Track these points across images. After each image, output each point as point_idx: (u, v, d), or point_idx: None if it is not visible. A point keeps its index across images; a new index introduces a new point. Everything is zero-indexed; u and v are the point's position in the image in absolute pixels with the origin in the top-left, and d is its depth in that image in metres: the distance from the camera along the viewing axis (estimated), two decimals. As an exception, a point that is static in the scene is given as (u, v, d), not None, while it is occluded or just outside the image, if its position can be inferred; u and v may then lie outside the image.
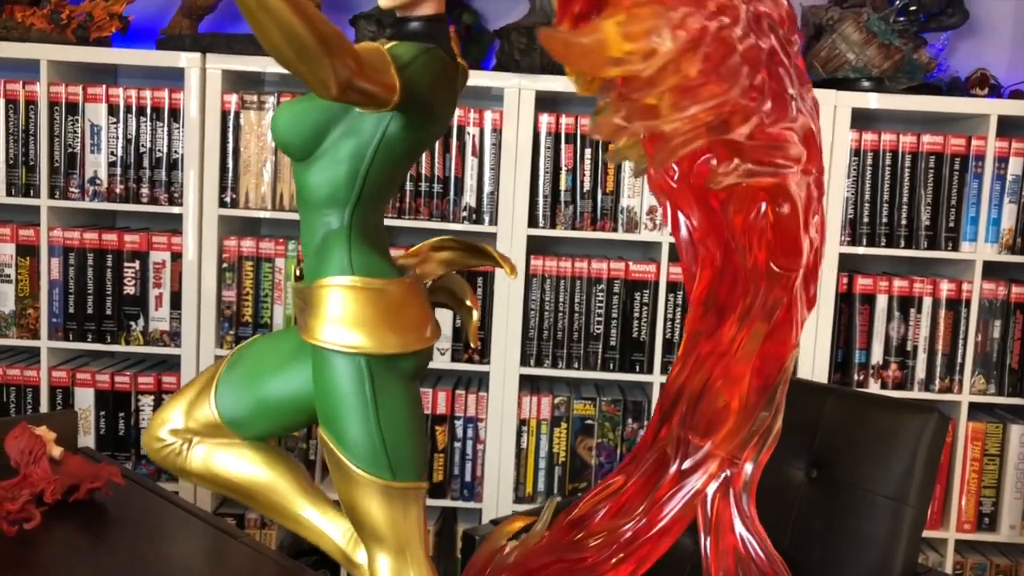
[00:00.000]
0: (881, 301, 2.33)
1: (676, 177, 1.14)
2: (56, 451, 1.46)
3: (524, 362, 2.32)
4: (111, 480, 1.43)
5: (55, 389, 2.33)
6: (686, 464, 1.14)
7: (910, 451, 1.59)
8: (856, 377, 2.33)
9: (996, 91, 2.35)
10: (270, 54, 0.94)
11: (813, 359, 2.29)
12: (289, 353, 1.23)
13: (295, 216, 2.31)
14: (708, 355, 1.14)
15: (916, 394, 2.32)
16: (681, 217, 1.18)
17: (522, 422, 2.33)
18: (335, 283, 1.16)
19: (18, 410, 2.33)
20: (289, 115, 1.17)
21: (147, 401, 2.34)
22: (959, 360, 2.32)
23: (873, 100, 2.26)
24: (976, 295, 2.30)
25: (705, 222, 1.15)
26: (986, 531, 2.36)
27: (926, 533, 2.31)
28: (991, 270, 2.33)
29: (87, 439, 2.32)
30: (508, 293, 2.29)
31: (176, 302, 2.31)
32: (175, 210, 2.29)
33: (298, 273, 1.25)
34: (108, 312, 2.32)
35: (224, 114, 2.28)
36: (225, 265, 2.32)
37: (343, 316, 1.15)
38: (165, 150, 2.30)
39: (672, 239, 1.41)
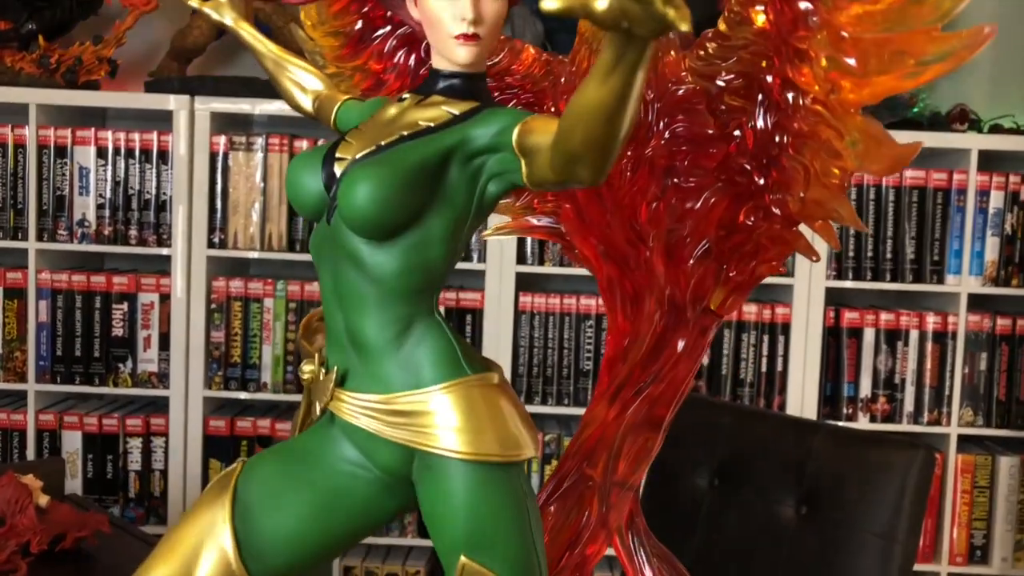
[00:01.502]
0: (868, 335, 2.34)
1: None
2: (43, 500, 1.45)
3: (514, 399, 2.31)
4: (98, 529, 1.42)
5: (42, 433, 2.32)
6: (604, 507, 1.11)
7: (898, 487, 1.60)
8: (845, 411, 2.34)
9: (976, 126, 2.38)
10: (594, 133, 0.74)
11: (802, 393, 2.30)
12: (327, 486, 1.00)
13: (284, 256, 2.34)
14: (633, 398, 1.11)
15: (905, 426, 2.32)
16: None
17: (512, 460, 2.32)
18: (461, 384, 0.95)
19: (4, 454, 2.32)
20: (375, 188, 0.93)
21: (135, 443, 2.33)
22: (947, 392, 2.33)
23: (856, 136, 2.29)
24: (962, 327, 2.31)
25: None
26: (978, 564, 2.36)
27: (918, 567, 2.30)
28: (976, 302, 2.35)
29: (74, 483, 2.30)
30: (498, 330, 2.29)
31: (165, 343, 2.31)
32: (164, 251, 2.30)
33: (318, 368, 1.02)
34: (96, 354, 2.31)
35: (213, 155, 2.29)
36: (214, 306, 2.32)
37: (489, 422, 0.94)
38: (154, 192, 2.31)
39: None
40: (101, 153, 2.30)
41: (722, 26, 0.95)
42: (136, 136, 2.30)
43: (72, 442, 2.31)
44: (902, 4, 0.81)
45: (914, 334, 2.34)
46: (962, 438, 2.37)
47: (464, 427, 0.93)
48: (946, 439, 2.34)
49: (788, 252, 0.99)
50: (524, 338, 2.32)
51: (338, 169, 1.00)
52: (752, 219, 0.94)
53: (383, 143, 0.99)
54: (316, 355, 1.03)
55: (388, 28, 1.21)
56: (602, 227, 1.10)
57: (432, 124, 0.98)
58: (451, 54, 0.99)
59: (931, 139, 2.28)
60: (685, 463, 1.83)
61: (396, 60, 1.22)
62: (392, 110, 1.04)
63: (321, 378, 1.01)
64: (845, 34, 0.83)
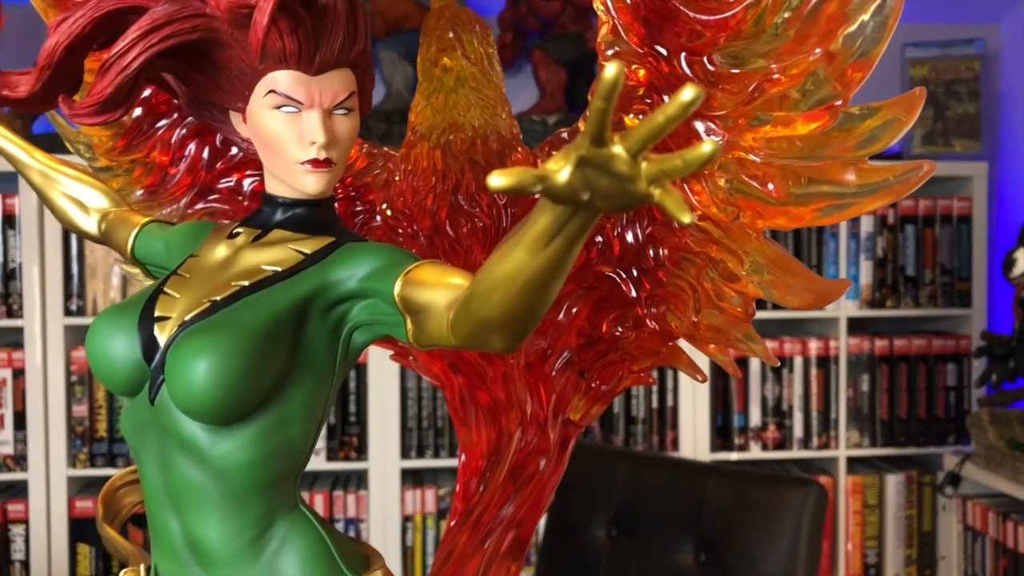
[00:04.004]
0: (755, 363, 2.35)
1: None
2: None
3: (404, 455, 2.23)
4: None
5: None
6: None
7: (794, 527, 1.59)
8: (737, 441, 2.34)
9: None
10: (518, 303, 0.63)
11: (694, 425, 2.29)
12: None
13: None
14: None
15: (796, 452, 2.34)
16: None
17: (407, 518, 2.24)
18: None
19: None
20: (218, 364, 0.73)
21: (-9, 534, 2.13)
22: (833, 416, 2.36)
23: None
24: (843, 351, 2.35)
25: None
26: (873, 582, 2.39)
27: (817, 591, 2.32)
28: (855, 326, 2.40)
29: (-77, 582, 2.09)
30: (383, 382, 2.20)
31: (20, 422, 2.13)
32: (16, 323, 2.13)
33: None
34: (-58, 439, 2.11)
35: (65, 217, 2.14)
36: (74, 378, 2.16)
37: None
38: (1, 259, 2.13)
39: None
40: (-61, 220, 2.12)
41: (582, 126, 0.87)
42: (-22, 200, 2.13)
43: (-81, 538, 2.10)
44: (823, 129, 0.74)
45: (798, 360, 2.37)
46: (850, 459, 2.40)
47: None
48: (835, 462, 2.37)
49: (659, 364, 0.92)
50: (411, 389, 2.24)
51: (161, 334, 0.79)
52: (619, 329, 0.88)
53: (218, 298, 0.79)
54: (139, 559, 0.85)
55: (175, 116, 1.04)
56: None
57: (279, 269, 0.80)
58: (298, 183, 0.81)
59: (802, 168, 2.32)
60: (582, 514, 1.79)
61: (186, 152, 1.04)
62: (222, 249, 0.84)
63: None
64: (755, 158, 0.76)
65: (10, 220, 2.14)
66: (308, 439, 0.79)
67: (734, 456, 2.31)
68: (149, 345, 0.79)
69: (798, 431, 2.36)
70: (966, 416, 2.36)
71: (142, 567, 0.85)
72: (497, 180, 0.47)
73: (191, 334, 0.76)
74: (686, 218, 0.48)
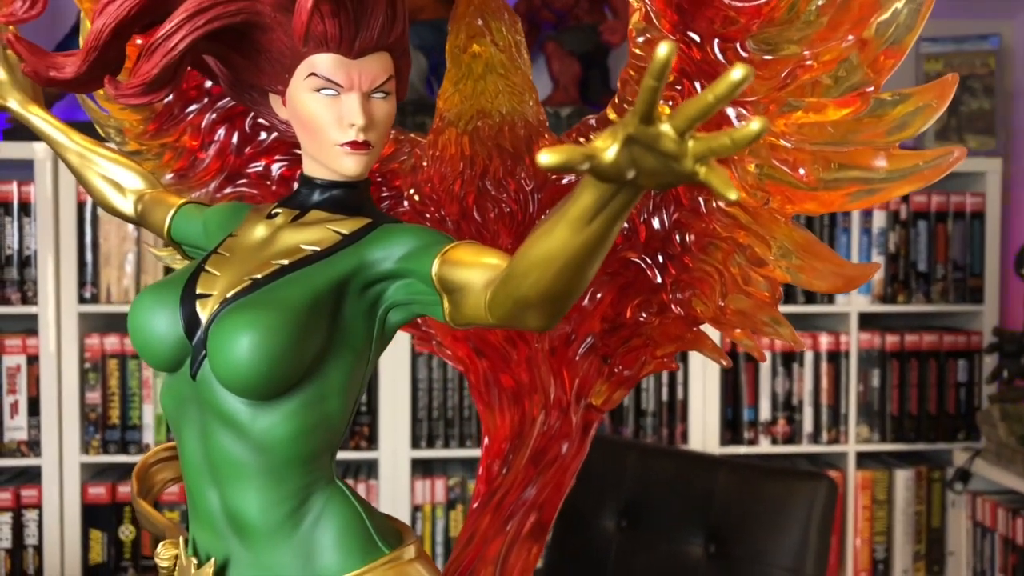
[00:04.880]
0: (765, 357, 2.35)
1: None
2: None
3: (415, 444, 2.24)
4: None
5: (-101, 513, 2.12)
6: None
7: (803, 520, 1.59)
8: (747, 435, 2.34)
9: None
10: (557, 282, 0.63)
11: (704, 420, 2.29)
12: None
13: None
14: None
15: (805, 447, 2.34)
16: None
17: (416, 508, 2.25)
18: (375, 572, 0.80)
19: None
20: (262, 340, 0.74)
21: (4, 519, 2.15)
22: (843, 411, 2.36)
23: (742, 162, 2.31)
24: (854, 346, 2.35)
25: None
26: (881, 577, 2.39)
27: (825, 586, 2.32)
28: (866, 321, 2.39)
29: (-62, 566, 2.11)
30: (394, 372, 2.21)
31: (34, 408, 2.14)
32: (31, 310, 2.14)
33: (185, 556, 0.84)
34: (-43, 424, 2.13)
35: (80, 205, 2.15)
36: (88, 365, 2.17)
37: None
38: (16, 247, 2.15)
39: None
40: (-45, 207, 2.13)
41: (611, 114, 0.88)
42: (-6, 187, 2.14)
43: (-67, 521, 2.12)
44: (854, 115, 0.74)
45: (809, 355, 2.36)
46: (860, 455, 2.40)
47: None
48: (845, 457, 2.37)
49: (683, 349, 0.92)
50: (423, 380, 2.25)
51: (202, 311, 0.80)
52: (643, 315, 0.89)
53: (259, 276, 0.80)
54: (175, 532, 0.85)
55: (205, 101, 1.05)
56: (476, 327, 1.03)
57: (318, 248, 0.81)
58: (336, 164, 0.82)
59: (815, 163, 2.31)
60: (592, 505, 1.79)
61: (216, 137, 1.05)
62: (260, 229, 0.85)
63: (192, 571, 0.82)
64: (786, 143, 0.76)
65: (25, 208, 2.15)
66: (345, 414, 0.80)
67: (743, 450, 2.31)
68: (191, 322, 0.81)
69: (808, 426, 2.36)
70: (976, 412, 2.35)
71: (180, 539, 0.85)
72: (546, 157, 0.48)
73: (233, 311, 0.77)
74: (732, 195, 0.49)
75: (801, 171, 0.75)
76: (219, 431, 0.79)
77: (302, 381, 0.77)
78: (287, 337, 0.75)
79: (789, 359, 2.37)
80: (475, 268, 0.72)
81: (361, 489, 2.24)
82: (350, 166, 0.82)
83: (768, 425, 2.35)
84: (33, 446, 2.15)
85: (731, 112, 0.78)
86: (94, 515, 2.17)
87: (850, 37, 0.72)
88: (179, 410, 0.83)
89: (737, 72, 0.46)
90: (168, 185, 1.06)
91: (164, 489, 0.99)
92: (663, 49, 0.47)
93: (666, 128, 0.49)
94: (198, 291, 0.82)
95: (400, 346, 2.20)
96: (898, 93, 0.74)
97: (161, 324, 0.81)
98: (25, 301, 2.15)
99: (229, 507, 0.80)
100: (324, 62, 0.80)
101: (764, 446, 2.34)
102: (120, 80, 0.84)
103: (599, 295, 0.90)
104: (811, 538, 1.59)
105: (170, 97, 1.02)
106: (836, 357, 2.36)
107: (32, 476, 2.21)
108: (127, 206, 1.00)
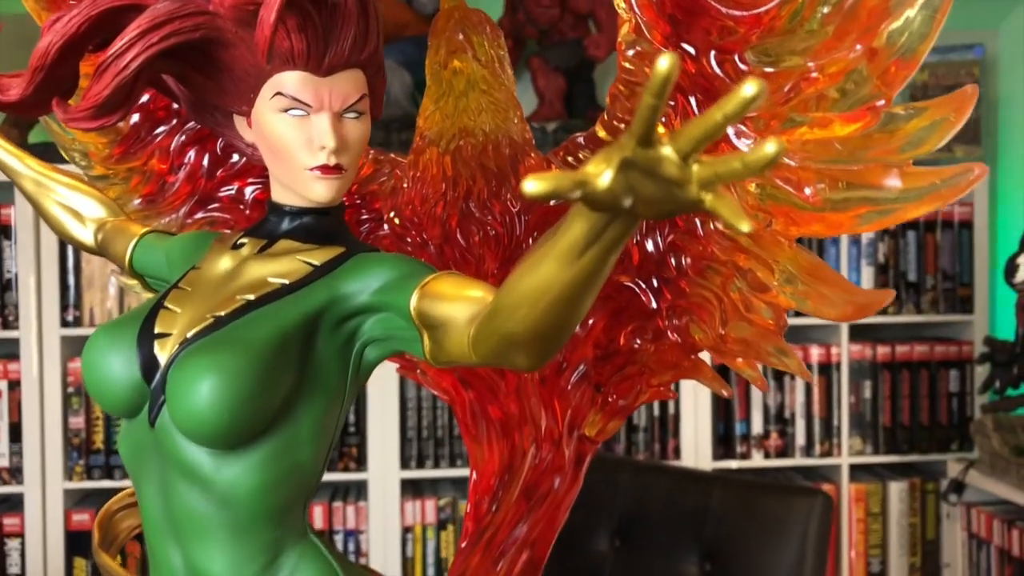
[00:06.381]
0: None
1: None
2: None
3: (404, 465, 2.21)
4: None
5: None
6: None
7: (799, 537, 1.57)
8: (739, 449, 2.32)
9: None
10: (547, 318, 0.58)
11: (695, 433, 2.27)
12: None
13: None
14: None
15: (798, 460, 2.33)
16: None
17: (406, 529, 2.22)
18: None
19: None
20: (224, 385, 0.69)
21: (-13, 548, 2.11)
22: (835, 423, 2.35)
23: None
24: (845, 358, 2.34)
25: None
26: (877, 591, 2.37)
27: (821, 600, 2.30)
28: (857, 332, 2.38)
29: (-82, 598, 2.06)
30: (382, 392, 2.19)
31: (16, 435, 2.11)
32: (12, 334, 2.11)
33: None
34: (-63, 452, 2.09)
35: (61, 227, 2.12)
36: (71, 390, 2.14)
37: None
38: (-4, 270, 2.12)
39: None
40: (-67, 231, 2.10)
41: (601, 132, 0.84)
42: (-27, 210, 2.11)
43: (-87, 552, 2.08)
44: (864, 131, 0.68)
45: (800, 367, 2.35)
46: (853, 467, 2.38)
47: None
48: (838, 470, 2.35)
49: (681, 378, 0.88)
50: (411, 399, 2.22)
51: (161, 352, 0.74)
52: (638, 341, 0.85)
53: (222, 313, 0.74)
54: None
55: (174, 123, 1.00)
56: None
57: (287, 281, 0.76)
58: (306, 190, 0.77)
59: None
60: (585, 525, 1.77)
61: (186, 159, 0.99)
62: (225, 261, 0.80)
63: None
64: (789, 161, 0.70)
65: (5, 230, 2.12)
66: (318, 462, 0.75)
67: (736, 464, 2.29)
68: (149, 364, 0.75)
69: (800, 439, 2.34)
70: (969, 423, 2.34)
71: None
72: (532, 185, 0.43)
73: (194, 352, 0.72)
74: (744, 226, 0.44)
75: (806, 191, 0.70)
76: (180, 483, 0.73)
77: (270, 428, 0.71)
78: (252, 381, 0.69)
79: (780, 372, 2.35)
80: (457, 302, 0.67)
81: (350, 511, 2.21)
82: (321, 192, 0.77)
83: (761, 439, 2.33)
84: (15, 473, 2.11)
85: (729, 129, 0.73)
86: (78, 542, 2.13)
87: (858, 47, 0.68)
88: (137, 460, 0.77)
89: (749, 88, 0.41)
90: (137, 211, 1.02)
91: (129, 538, 0.93)
92: (664, 63, 0.41)
93: (668, 151, 0.44)
94: (156, 330, 0.76)
95: (388, 365, 2.17)
96: (912, 106, 0.69)
97: (116, 366, 0.76)
98: (6, 326, 2.11)
99: (193, 566, 0.74)
100: (291, 80, 0.75)
101: (757, 460, 2.32)
102: (70, 104, 0.78)
103: (591, 321, 0.86)
104: (808, 555, 1.57)
105: (136, 118, 0.97)
106: (827, 369, 2.35)
107: (14, 504, 2.17)
108: (87, 236, 0.95)
